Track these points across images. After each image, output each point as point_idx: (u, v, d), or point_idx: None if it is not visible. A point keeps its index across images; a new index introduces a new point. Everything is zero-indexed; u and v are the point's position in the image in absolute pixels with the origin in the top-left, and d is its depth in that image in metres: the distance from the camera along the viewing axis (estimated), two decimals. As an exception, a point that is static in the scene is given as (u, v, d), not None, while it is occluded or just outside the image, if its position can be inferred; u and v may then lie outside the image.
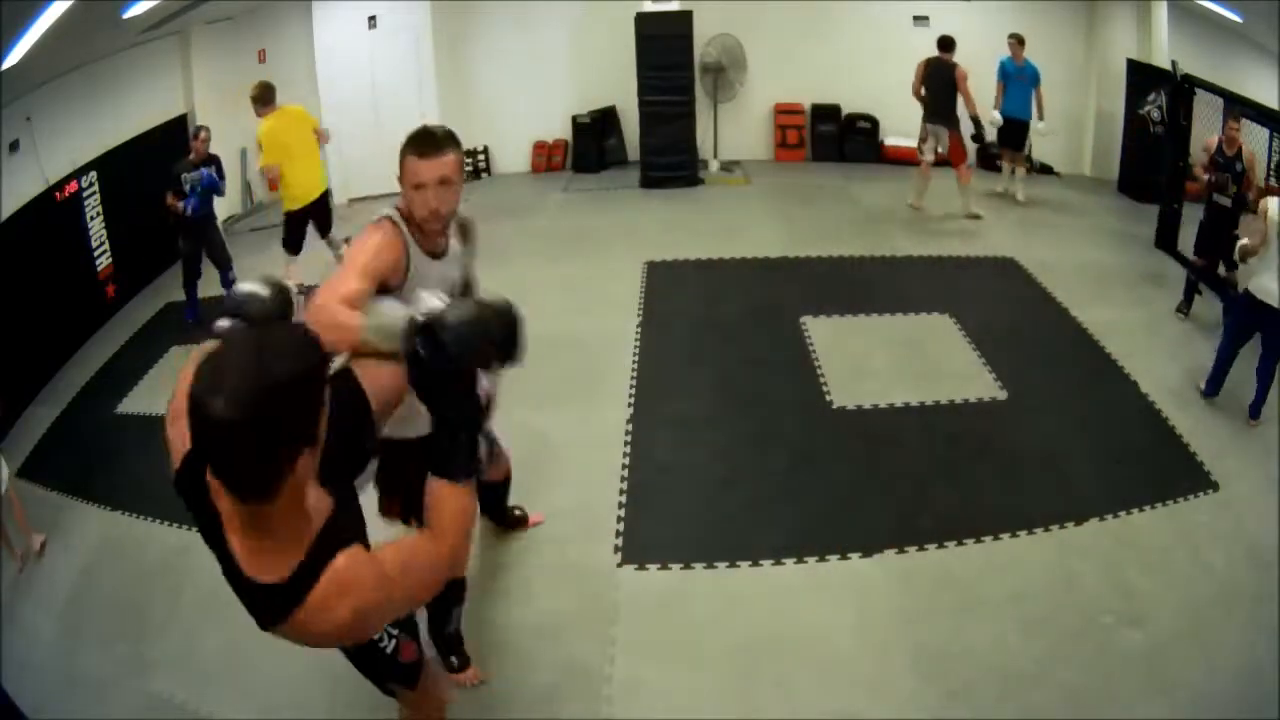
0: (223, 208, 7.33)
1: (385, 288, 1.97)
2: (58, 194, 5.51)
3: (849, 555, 3.10)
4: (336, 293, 1.82)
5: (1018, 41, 6.57)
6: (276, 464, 1.14)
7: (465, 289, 2.32)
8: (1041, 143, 6.99)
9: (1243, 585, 2.93)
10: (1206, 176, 4.74)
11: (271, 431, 1.10)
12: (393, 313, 1.75)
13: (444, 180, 2.04)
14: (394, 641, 1.83)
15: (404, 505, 2.29)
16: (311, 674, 2.75)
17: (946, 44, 6.36)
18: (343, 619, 1.23)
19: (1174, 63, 5.81)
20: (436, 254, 2.16)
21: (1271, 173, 5.30)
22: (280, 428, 1.11)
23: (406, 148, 2.06)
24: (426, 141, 2.04)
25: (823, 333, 4.77)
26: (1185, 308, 5.00)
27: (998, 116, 6.67)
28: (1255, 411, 3.86)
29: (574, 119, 8.14)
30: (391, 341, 1.64)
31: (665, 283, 5.41)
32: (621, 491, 3.47)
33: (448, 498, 1.42)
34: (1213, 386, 4.04)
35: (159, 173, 6.56)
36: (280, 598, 1.25)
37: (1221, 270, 3.92)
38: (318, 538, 1.27)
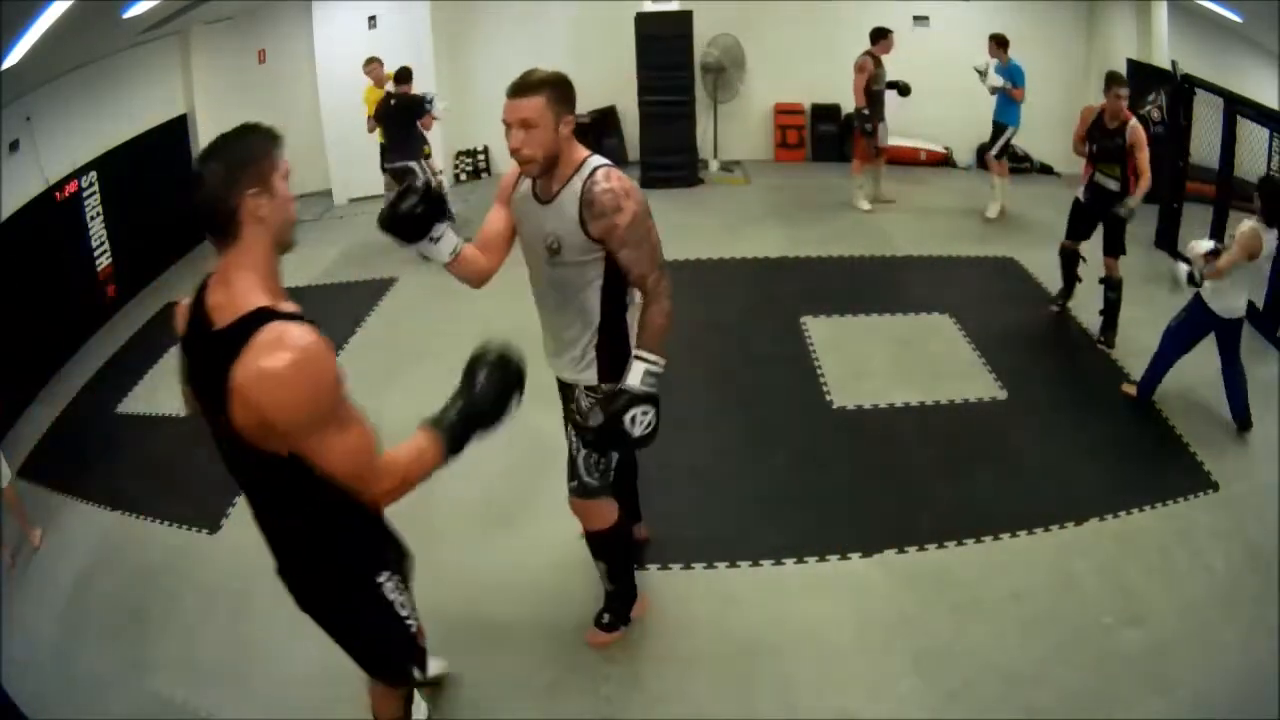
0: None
1: None
2: (58, 194, 5.51)
3: (849, 555, 3.10)
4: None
5: (997, 43, 6.31)
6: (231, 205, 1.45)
7: (559, 249, 2.20)
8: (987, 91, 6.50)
9: (1243, 585, 2.93)
10: (1088, 149, 4.49)
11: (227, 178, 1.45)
12: None
13: (524, 122, 2.09)
14: (415, 624, 1.94)
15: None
16: (311, 674, 2.75)
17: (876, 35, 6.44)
18: (287, 374, 1.39)
19: (1174, 63, 5.81)
20: (543, 199, 2.22)
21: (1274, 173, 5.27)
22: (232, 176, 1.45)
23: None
24: (518, 83, 2.11)
25: (823, 332, 4.77)
26: (1062, 300, 4.97)
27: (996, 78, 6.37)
28: (1242, 419, 3.76)
29: (574, 119, 8.13)
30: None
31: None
32: (621, 491, 3.47)
33: (430, 462, 1.76)
34: (1148, 389, 3.98)
35: (159, 173, 6.58)
36: (229, 341, 1.42)
37: (1182, 278, 3.60)
38: (274, 310, 1.47)
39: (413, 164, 6.07)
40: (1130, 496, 3.38)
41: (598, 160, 2.21)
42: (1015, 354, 4.54)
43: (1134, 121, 4.36)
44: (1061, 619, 2.80)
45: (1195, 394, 4.07)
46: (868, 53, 6.41)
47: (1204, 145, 5.46)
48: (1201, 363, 4.16)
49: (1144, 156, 4.32)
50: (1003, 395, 4.16)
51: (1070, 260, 4.87)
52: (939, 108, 7.46)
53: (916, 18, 7.72)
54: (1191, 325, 3.79)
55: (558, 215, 2.18)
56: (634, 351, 2.23)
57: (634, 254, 2.20)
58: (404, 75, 6.23)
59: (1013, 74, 6.23)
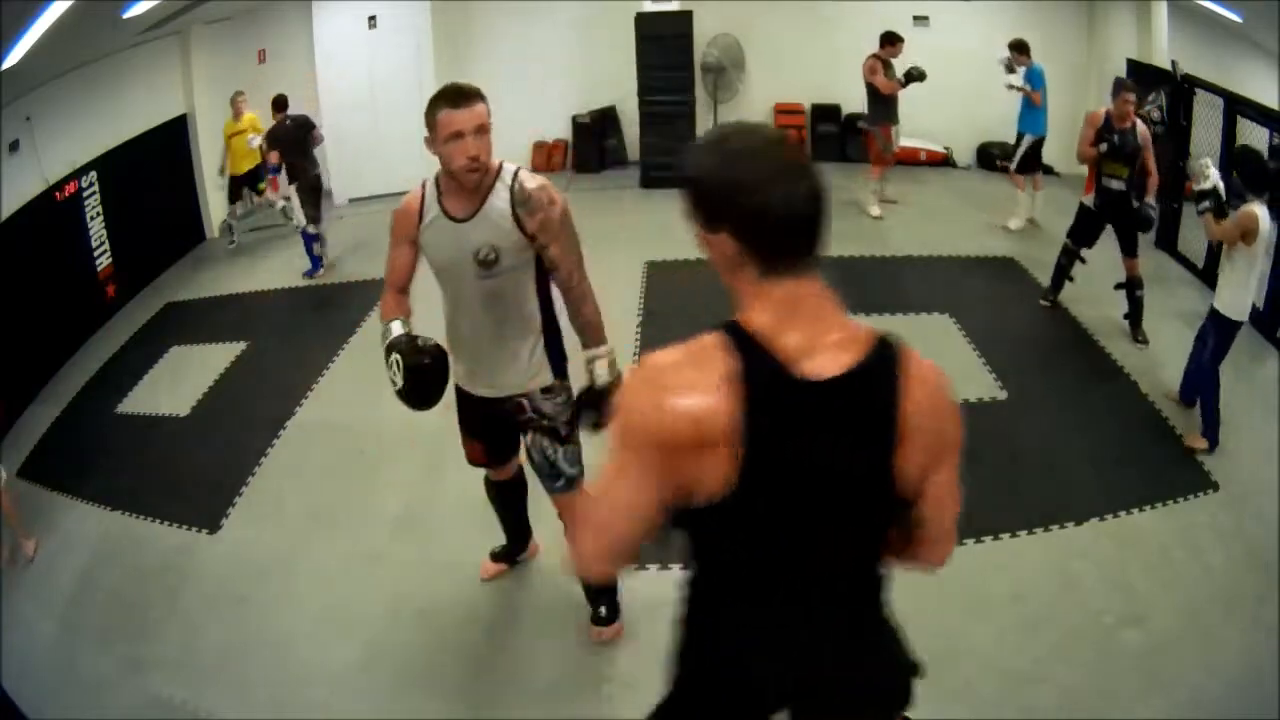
0: (221, 209, 7.35)
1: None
2: (58, 194, 5.51)
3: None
4: (388, 272, 2.43)
5: (1019, 50, 6.23)
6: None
7: (496, 257, 2.21)
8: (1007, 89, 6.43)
9: (1243, 585, 2.93)
10: (1099, 150, 4.48)
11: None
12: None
13: (481, 128, 2.10)
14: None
15: (485, 451, 2.66)
16: (311, 674, 2.75)
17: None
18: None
19: (1174, 63, 5.81)
20: (461, 217, 2.20)
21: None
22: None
23: (437, 104, 2.10)
24: (459, 93, 2.09)
25: (823, 333, 4.75)
26: (1051, 296, 4.97)
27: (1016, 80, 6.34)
28: (1212, 435, 3.61)
29: (574, 119, 8.14)
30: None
31: (665, 282, 5.40)
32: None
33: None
34: (1214, 432, 3.69)
35: (159, 173, 6.58)
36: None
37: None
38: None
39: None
40: (1130, 496, 3.37)
41: (510, 163, 2.26)
42: (1015, 354, 4.54)
43: (1139, 122, 4.41)
44: (1061, 619, 2.80)
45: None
46: (876, 55, 6.35)
47: (1204, 145, 5.46)
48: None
49: (1150, 156, 4.39)
50: (1003, 395, 4.16)
51: (1069, 260, 4.88)
52: (939, 108, 7.46)
53: (916, 18, 7.71)
54: (1218, 336, 3.65)
55: (487, 225, 2.20)
56: (589, 352, 2.34)
57: (563, 249, 2.27)
58: (281, 103, 6.30)
59: (1032, 78, 6.19)
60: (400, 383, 2.24)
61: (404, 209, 2.30)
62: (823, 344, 1.10)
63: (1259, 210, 3.48)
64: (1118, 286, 4.59)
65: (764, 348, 1.08)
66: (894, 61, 6.36)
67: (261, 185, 7.04)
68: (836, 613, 1.24)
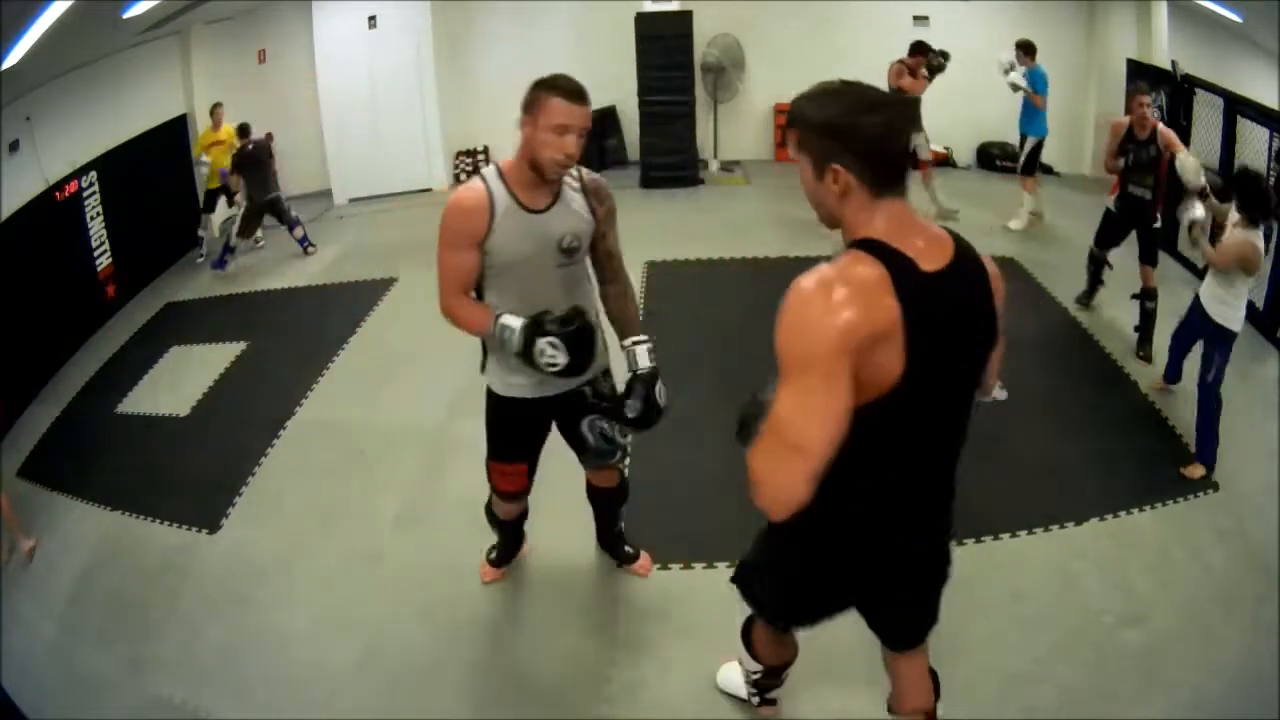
0: (221, 209, 7.35)
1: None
2: (58, 194, 5.52)
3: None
4: (447, 283, 2.20)
5: (1025, 50, 6.24)
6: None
7: (579, 245, 2.28)
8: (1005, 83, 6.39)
9: (1243, 585, 2.93)
10: (1120, 164, 4.46)
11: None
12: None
13: (585, 130, 2.12)
14: None
15: (527, 472, 2.62)
16: (311, 674, 2.76)
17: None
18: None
19: (1174, 63, 5.82)
20: (537, 209, 2.19)
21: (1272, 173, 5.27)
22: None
23: (550, 91, 2.07)
24: (576, 89, 2.09)
25: (823, 333, 4.75)
26: (1086, 299, 5.00)
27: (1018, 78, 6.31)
28: (1208, 456, 3.51)
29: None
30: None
31: (665, 283, 5.40)
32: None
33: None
34: (1171, 373, 4.03)
35: (159, 173, 6.58)
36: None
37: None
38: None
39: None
40: (1130, 496, 3.37)
41: None
42: (1015, 354, 4.50)
43: (1162, 127, 4.35)
44: (1061, 618, 2.80)
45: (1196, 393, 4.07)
46: (902, 61, 6.24)
47: (1204, 145, 5.46)
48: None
49: (1178, 148, 4.31)
50: (1003, 395, 4.14)
51: (1098, 265, 4.88)
52: (939, 108, 7.44)
53: (916, 18, 7.72)
54: (1223, 352, 3.53)
55: (568, 214, 2.23)
56: (633, 339, 2.39)
57: (615, 237, 2.40)
58: (245, 129, 6.48)
59: (1034, 80, 6.16)
60: (565, 358, 2.16)
61: (467, 209, 2.15)
62: (927, 246, 1.39)
63: (1259, 241, 3.33)
64: (1134, 297, 4.56)
65: (897, 253, 1.34)
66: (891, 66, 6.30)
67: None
68: (949, 473, 1.60)
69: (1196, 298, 3.67)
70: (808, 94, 1.41)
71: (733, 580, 2.04)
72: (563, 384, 2.39)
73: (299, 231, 6.60)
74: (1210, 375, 3.50)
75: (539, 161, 2.12)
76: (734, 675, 2.47)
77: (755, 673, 2.25)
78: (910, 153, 1.47)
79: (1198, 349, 3.70)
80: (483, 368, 2.46)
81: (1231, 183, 3.39)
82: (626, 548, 3.06)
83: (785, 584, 1.82)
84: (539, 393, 2.41)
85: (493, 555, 3.06)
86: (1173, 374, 4.05)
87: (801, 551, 1.69)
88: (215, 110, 6.83)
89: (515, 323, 2.17)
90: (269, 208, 6.49)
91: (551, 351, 2.15)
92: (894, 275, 1.31)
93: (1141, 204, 4.46)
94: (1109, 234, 4.75)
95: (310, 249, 6.61)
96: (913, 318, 1.31)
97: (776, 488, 1.33)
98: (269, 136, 6.60)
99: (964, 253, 1.45)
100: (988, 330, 1.51)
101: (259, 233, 6.91)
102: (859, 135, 1.33)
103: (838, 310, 1.28)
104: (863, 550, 1.62)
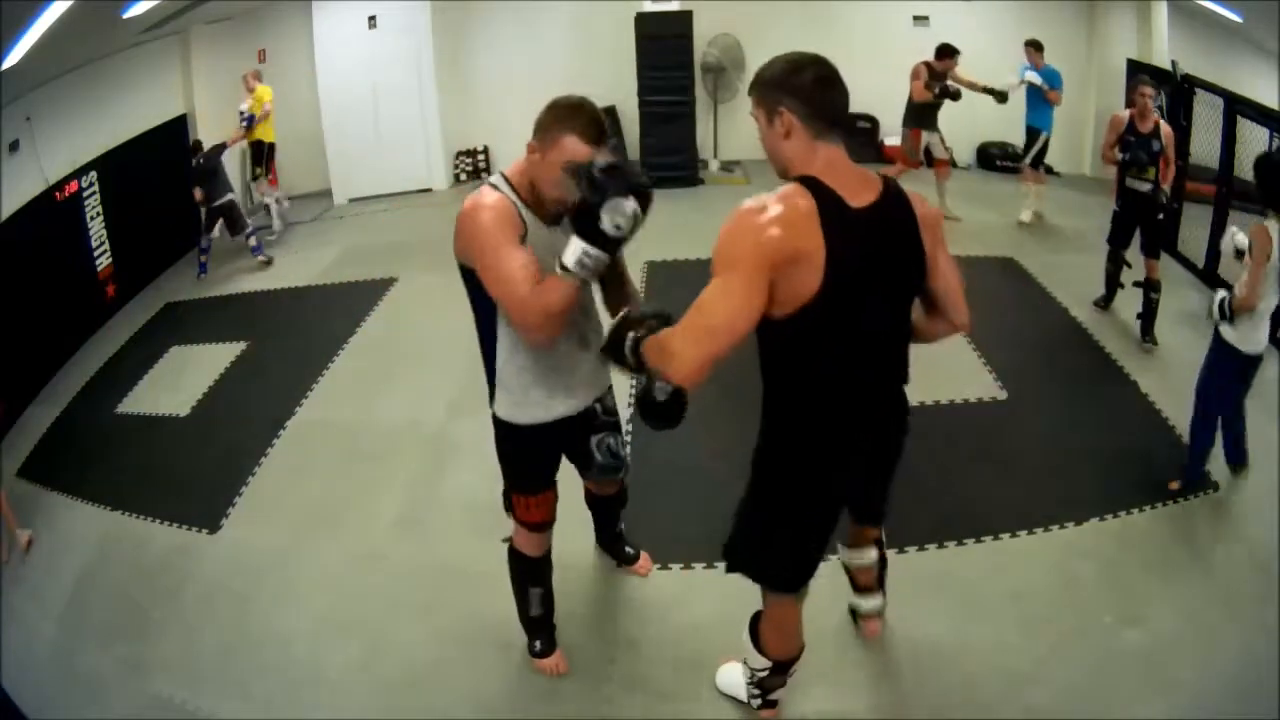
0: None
1: None
2: (58, 194, 5.51)
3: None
4: (518, 281, 1.93)
5: (1034, 48, 6.25)
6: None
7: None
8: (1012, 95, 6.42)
9: (1243, 585, 2.93)
10: (1119, 157, 4.46)
11: None
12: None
13: None
14: None
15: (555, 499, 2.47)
16: (310, 674, 2.76)
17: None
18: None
19: (1174, 63, 5.81)
20: (550, 221, 2.15)
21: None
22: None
23: (569, 127, 1.98)
24: (600, 130, 2.00)
25: (823, 333, 4.75)
26: (1105, 302, 4.94)
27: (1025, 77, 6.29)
28: (1237, 459, 3.35)
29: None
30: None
31: (665, 282, 5.40)
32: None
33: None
34: (1195, 468, 3.41)
35: (159, 173, 6.58)
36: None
37: (1215, 317, 3.10)
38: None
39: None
40: (1130, 496, 3.37)
41: None
42: (1015, 354, 4.54)
43: (1164, 122, 4.38)
44: (1061, 619, 2.80)
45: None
46: (926, 63, 6.22)
47: (1204, 145, 5.46)
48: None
49: (1171, 150, 4.42)
50: (1003, 395, 4.16)
51: (1116, 265, 4.85)
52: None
53: (916, 18, 7.72)
54: (1222, 371, 3.24)
55: (566, 231, 2.18)
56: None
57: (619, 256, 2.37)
58: (196, 146, 6.70)
59: (1049, 77, 6.18)
60: (631, 200, 1.86)
61: (507, 211, 2.02)
62: (857, 186, 1.69)
63: (1272, 225, 2.94)
64: (1136, 284, 4.59)
65: (827, 189, 1.65)
66: (948, 74, 6.23)
67: (258, 170, 7.26)
68: (890, 371, 1.89)
69: (1216, 340, 3.26)
70: (771, 63, 1.73)
71: (729, 568, 2.09)
72: (578, 403, 2.31)
73: (253, 240, 6.57)
74: (1230, 398, 3.25)
75: (541, 192, 2.07)
76: (734, 676, 2.47)
77: (763, 670, 2.27)
78: (846, 110, 1.73)
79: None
80: (491, 400, 2.30)
81: (1254, 169, 3.04)
82: (627, 548, 3.05)
83: (775, 529, 2.00)
84: (556, 414, 2.28)
85: (537, 646, 2.65)
86: (1232, 458, 3.46)
87: (780, 489, 1.94)
88: (247, 79, 6.95)
89: (574, 242, 1.87)
90: (222, 212, 6.49)
91: (619, 210, 1.83)
92: (821, 207, 1.62)
93: (1142, 198, 4.48)
94: (1117, 233, 4.77)
95: (262, 258, 6.54)
96: (832, 244, 1.61)
97: (686, 359, 1.61)
98: (220, 146, 6.61)
99: (893, 193, 1.75)
100: (913, 258, 1.79)
101: (276, 223, 7.10)
102: (797, 84, 1.66)
103: (766, 228, 1.59)
104: (828, 458, 1.88)
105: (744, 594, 2.98)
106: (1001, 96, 6.26)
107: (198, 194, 6.39)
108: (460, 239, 2.05)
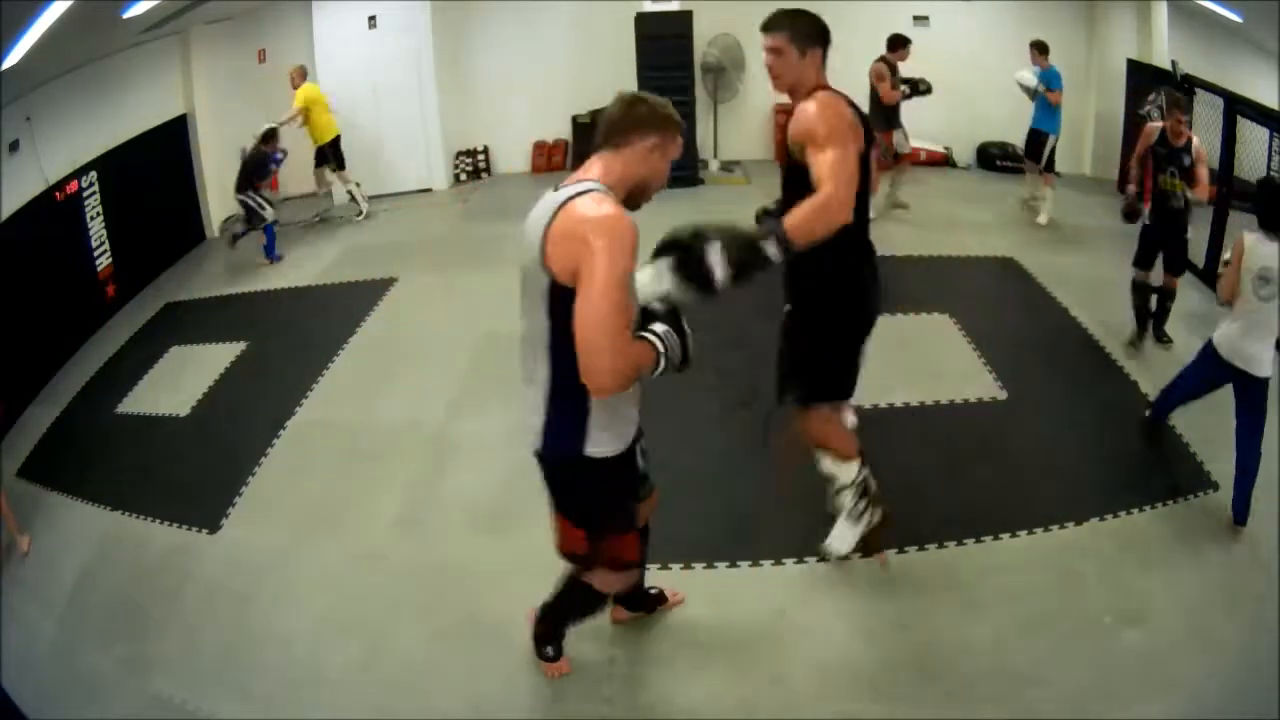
0: (220, 209, 7.38)
1: None
2: (58, 194, 5.51)
3: (849, 555, 3.10)
4: (620, 336, 1.85)
5: (1038, 50, 6.26)
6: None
7: None
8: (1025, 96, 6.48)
9: (1243, 585, 2.93)
10: (1145, 164, 4.39)
11: None
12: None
13: None
14: None
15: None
16: (310, 674, 2.76)
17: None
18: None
19: (1174, 63, 5.81)
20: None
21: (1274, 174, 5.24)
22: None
23: (679, 127, 2.14)
24: (681, 125, 2.15)
25: (823, 333, 4.76)
26: (1138, 340, 4.56)
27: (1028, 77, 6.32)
28: (1241, 513, 3.14)
29: (574, 119, 8.13)
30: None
31: (665, 283, 5.39)
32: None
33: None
34: (1157, 415, 3.65)
35: (159, 173, 6.58)
36: None
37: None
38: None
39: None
40: (1130, 496, 3.37)
41: None
42: (1015, 354, 4.54)
43: (1195, 139, 4.29)
44: (1061, 619, 2.80)
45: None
46: (883, 59, 6.28)
47: (1204, 145, 5.44)
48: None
49: (1203, 171, 4.23)
50: (1003, 395, 4.16)
51: (1143, 294, 4.56)
52: (939, 108, 7.44)
53: (916, 18, 7.71)
54: (1200, 367, 3.33)
55: None
56: None
57: None
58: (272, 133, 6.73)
59: (1049, 78, 6.18)
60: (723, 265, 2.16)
61: (634, 232, 1.93)
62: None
63: (1261, 241, 3.02)
64: (1152, 290, 4.54)
65: (845, 95, 2.46)
66: (900, 66, 6.31)
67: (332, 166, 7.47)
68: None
69: (1211, 350, 3.27)
70: (780, 16, 2.47)
71: (809, 403, 2.75)
72: (637, 415, 2.16)
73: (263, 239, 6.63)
74: (1252, 439, 3.13)
75: (649, 192, 2.10)
76: (842, 531, 2.93)
77: (861, 476, 2.84)
78: None
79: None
80: (580, 439, 2.02)
81: (1256, 193, 3.09)
82: (649, 589, 2.92)
83: (843, 356, 2.72)
84: (634, 433, 2.14)
85: (549, 652, 2.63)
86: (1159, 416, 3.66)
87: (842, 323, 2.68)
88: (292, 74, 7.04)
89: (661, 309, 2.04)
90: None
91: (713, 261, 2.10)
92: (851, 106, 2.42)
93: (1174, 213, 4.36)
94: (1145, 251, 4.53)
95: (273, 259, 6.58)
96: (866, 131, 2.41)
97: (843, 200, 2.18)
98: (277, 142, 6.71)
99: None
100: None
101: (363, 205, 7.40)
102: (824, 33, 2.48)
103: (850, 114, 2.38)
104: (868, 292, 2.72)
105: (743, 595, 3.00)
106: (927, 90, 6.29)
107: (274, 182, 6.58)
108: (568, 258, 1.88)
